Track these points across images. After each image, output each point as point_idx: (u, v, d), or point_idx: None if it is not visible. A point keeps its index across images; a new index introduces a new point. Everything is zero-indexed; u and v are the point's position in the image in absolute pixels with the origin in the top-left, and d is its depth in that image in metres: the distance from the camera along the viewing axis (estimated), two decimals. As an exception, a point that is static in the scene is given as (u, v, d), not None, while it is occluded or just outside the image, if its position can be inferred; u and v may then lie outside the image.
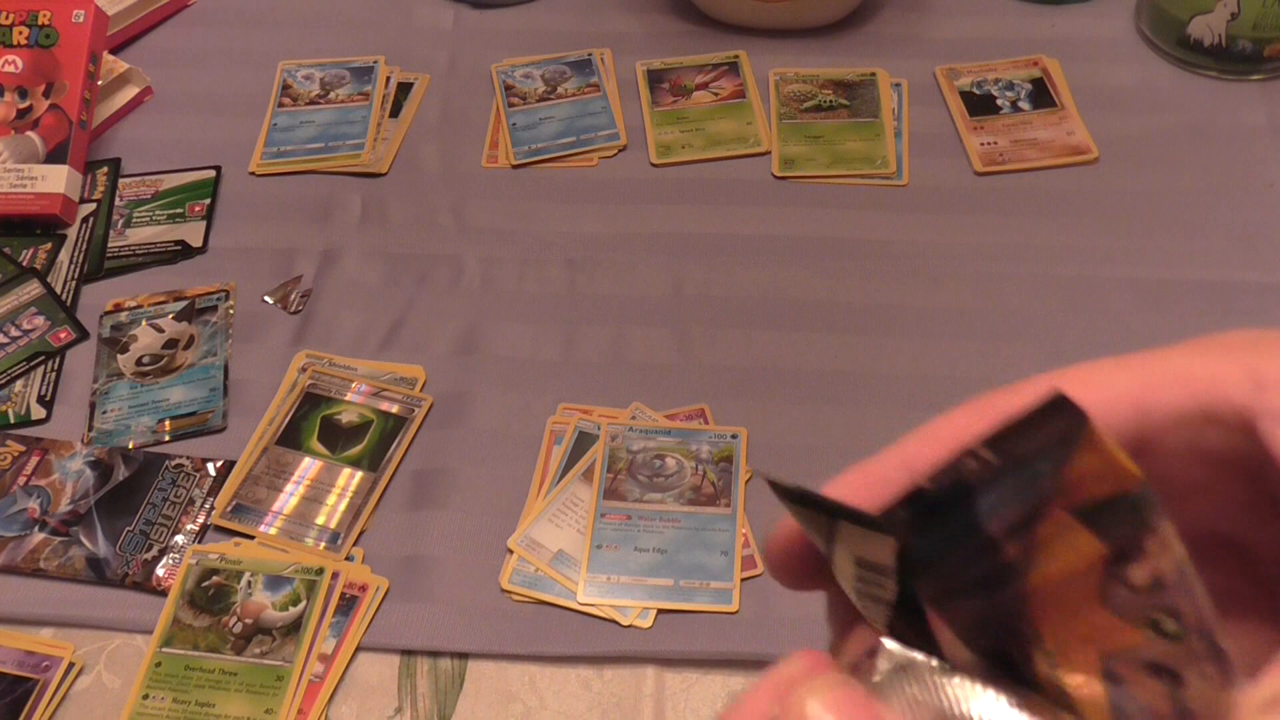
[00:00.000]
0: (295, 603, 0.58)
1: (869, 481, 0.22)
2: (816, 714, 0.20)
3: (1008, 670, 0.20)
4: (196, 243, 0.76)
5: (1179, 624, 0.19)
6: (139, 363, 0.69)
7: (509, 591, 0.59)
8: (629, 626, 0.57)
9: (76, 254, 0.76)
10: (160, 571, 0.60)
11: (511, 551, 0.60)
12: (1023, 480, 0.19)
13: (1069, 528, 0.19)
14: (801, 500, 0.21)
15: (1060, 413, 0.18)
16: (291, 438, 0.65)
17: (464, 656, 0.57)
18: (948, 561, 0.20)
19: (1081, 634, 0.19)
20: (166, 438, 0.66)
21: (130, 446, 0.66)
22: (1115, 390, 0.22)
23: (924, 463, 0.21)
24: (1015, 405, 0.20)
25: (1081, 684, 0.19)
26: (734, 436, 0.64)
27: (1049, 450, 0.19)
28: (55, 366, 0.70)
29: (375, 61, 0.86)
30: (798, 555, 0.24)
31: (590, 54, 0.86)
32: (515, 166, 0.79)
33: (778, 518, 0.65)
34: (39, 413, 0.68)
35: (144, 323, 0.71)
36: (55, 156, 0.78)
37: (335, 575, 0.59)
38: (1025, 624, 0.20)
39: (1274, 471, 0.21)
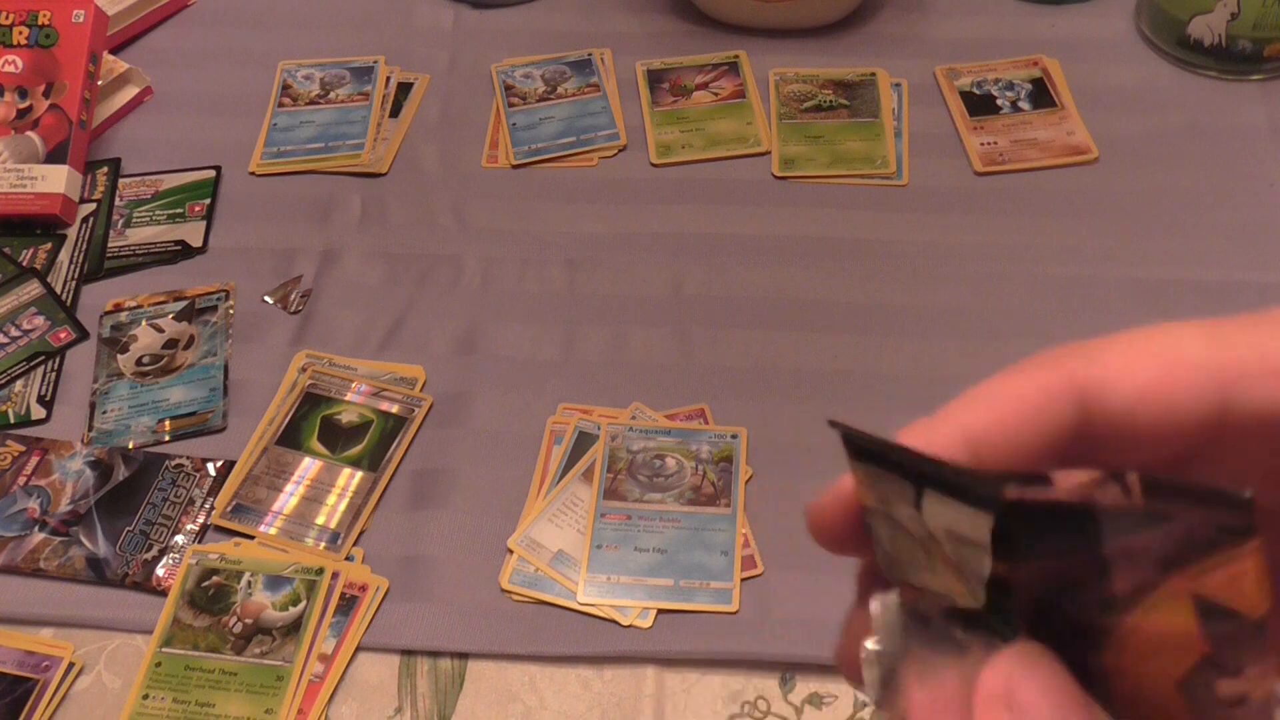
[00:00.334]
0: (295, 603, 0.58)
1: (926, 447, 0.21)
2: (1024, 683, 0.19)
3: None
4: (196, 243, 0.76)
5: None
6: (139, 363, 0.69)
7: (509, 591, 0.59)
8: (629, 626, 0.57)
9: (76, 254, 0.76)
10: (160, 571, 0.60)
11: (511, 551, 0.60)
12: (1161, 537, 0.18)
13: (1182, 607, 0.18)
14: (884, 458, 0.21)
15: (1237, 509, 0.17)
16: (291, 438, 0.65)
17: (464, 656, 0.57)
18: (1049, 561, 0.19)
19: (1149, 704, 0.19)
20: (166, 438, 0.66)
21: (130, 446, 0.66)
22: (1197, 373, 0.20)
23: (983, 432, 0.21)
24: (1085, 369, 0.20)
25: None
26: (734, 436, 0.64)
27: (1202, 529, 0.18)
28: (55, 366, 0.70)
29: (375, 61, 0.86)
30: (849, 520, 0.23)
31: (590, 54, 0.86)
32: (515, 166, 0.79)
33: (783, 515, 0.64)
34: (39, 413, 0.68)
35: (144, 323, 0.71)
36: (55, 156, 0.78)
37: (335, 575, 0.59)
38: (1098, 659, 0.19)
39: None
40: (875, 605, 0.22)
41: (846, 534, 0.23)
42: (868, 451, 0.21)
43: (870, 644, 0.22)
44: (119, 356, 0.70)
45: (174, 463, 0.64)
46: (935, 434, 0.21)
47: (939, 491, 0.20)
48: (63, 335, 0.71)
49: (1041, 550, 0.19)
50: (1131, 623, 0.19)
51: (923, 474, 0.20)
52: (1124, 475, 0.18)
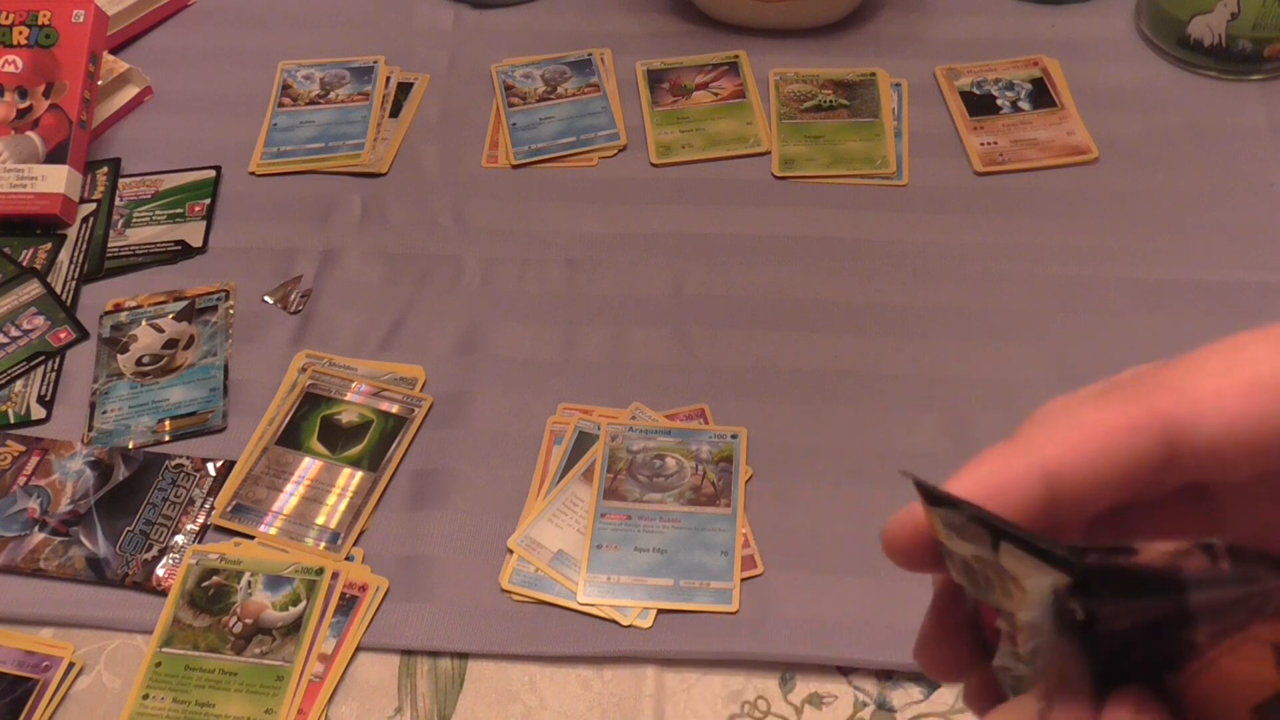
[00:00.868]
0: (295, 603, 0.58)
1: (999, 484, 0.21)
2: None
3: None
4: (196, 243, 0.76)
5: None
6: (139, 363, 0.69)
7: (509, 591, 0.59)
8: (629, 626, 0.57)
9: (76, 254, 0.76)
10: (160, 571, 0.60)
11: (511, 551, 0.60)
12: (1245, 594, 0.19)
13: (1262, 652, 0.19)
14: (968, 515, 0.21)
15: None
16: (291, 438, 0.65)
17: (464, 656, 0.57)
18: (1132, 613, 0.19)
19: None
20: (166, 438, 0.66)
21: (130, 446, 0.66)
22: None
23: (1063, 465, 0.20)
24: (1173, 404, 0.20)
25: None
26: (734, 436, 0.64)
27: None
28: (55, 366, 0.70)
29: (375, 61, 0.86)
30: (925, 543, 0.23)
31: (590, 54, 0.86)
32: (515, 166, 0.79)
33: (779, 521, 0.64)
34: (39, 413, 0.68)
35: (144, 323, 0.71)
36: (55, 156, 0.78)
37: (335, 575, 0.59)
38: (1175, 680, 0.20)
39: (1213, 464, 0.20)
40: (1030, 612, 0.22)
41: (921, 555, 0.23)
42: (942, 499, 0.21)
43: (1004, 659, 0.22)
44: (119, 356, 0.70)
45: (174, 463, 0.64)
46: (1011, 465, 0.21)
47: (1013, 543, 0.20)
48: (63, 335, 0.71)
49: (1122, 606, 0.19)
50: (1211, 657, 0.19)
51: (999, 530, 0.20)
52: (1211, 545, 0.19)
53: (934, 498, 0.21)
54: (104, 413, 0.67)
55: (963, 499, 0.21)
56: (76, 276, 0.74)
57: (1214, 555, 0.19)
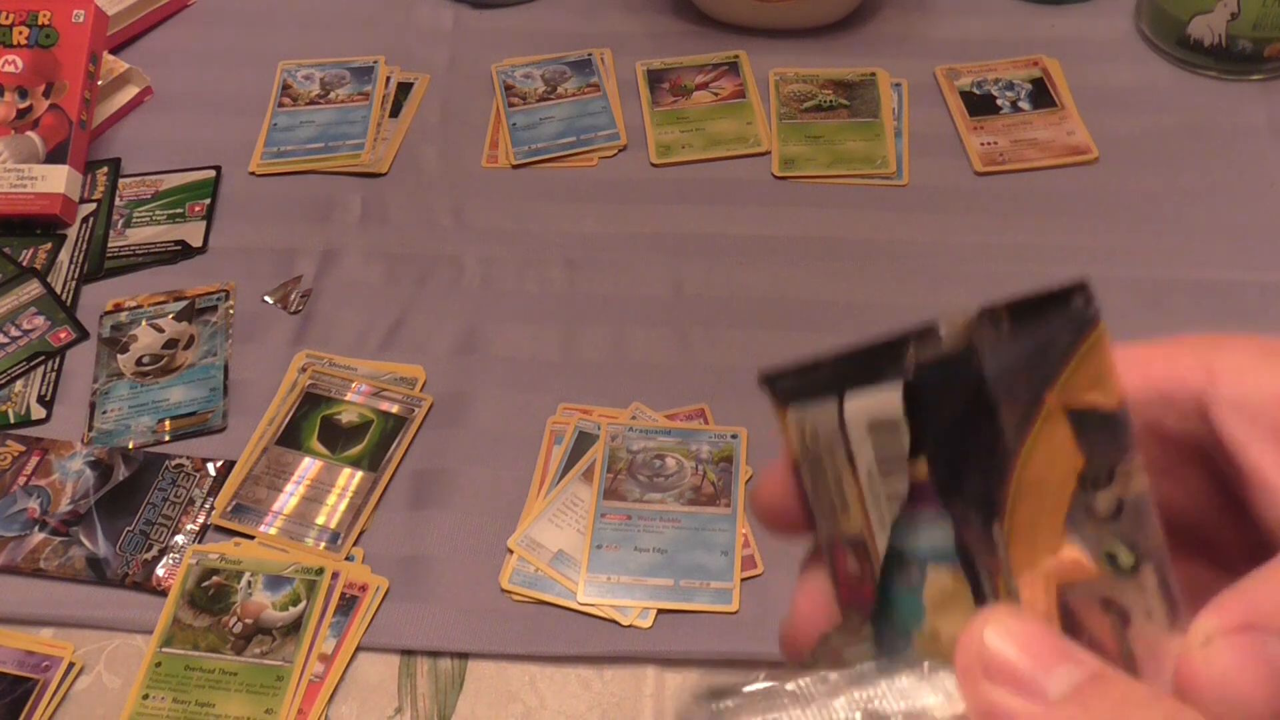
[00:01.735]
0: (295, 603, 0.58)
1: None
2: (996, 644, 0.19)
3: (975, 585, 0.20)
4: (196, 243, 0.76)
5: (1134, 556, 0.19)
6: (139, 363, 0.69)
7: (509, 591, 0.59)
8: (629, 626, 0.57)
9: (76, 254, 0.76)
10: (160, 571, 0.60)
11: (511, 551, 0.60)
12: (1031, 356, 0.19)
13: (1058, 424, 0.19)
14: (807, 382, 0.22)
15: (1080, 300, 0.19)
16: (291, 438, 0.65)
17: (464, 656, 0.57)
18: (949, 423, 0.20)
19: (1044, 563, 0.20)
20: (166, 438, 0.66)
21: (130, 446, 0.66)
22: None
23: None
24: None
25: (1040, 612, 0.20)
26: (734, 436, 0.64)
27: (1059, 332, 0.19)
28: (55, 366, 0.70)
29: (375, 61, 0.86)
30: (787, 497, 0.24)
31: (590, 54, 0.86)
32: (515, 166, 0.79)
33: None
34: (39, 413, 0.68)
35: (144, 323, 0.71)
36: (55, 156, 0.78)
37: (335, 575, 0.59)
38: (1001, 529, 0.20)
39: (1224, 456, 0.21)
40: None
41: (786, 512, 0.24)
42: (790, 389, 0.22)
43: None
44: (119, 356, 0.70)
45: (174, 463, 0.64)
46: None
47: (857, 387, 0.21)
48: (63, 335, 0.71)
49: (944, 405, 0.20)
50: (1019, 475, 0.20)
51: (843, 377, 0.21)
52: (994, 309, 0.20)
53: (779, 382, 0.22)
54: (104, 413, 0.67)
55: (807, 360, 0.22)
56: (76, 276, 0.74)
57: (996, 320, 0.20)
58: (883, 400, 0.21)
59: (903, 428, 0.21)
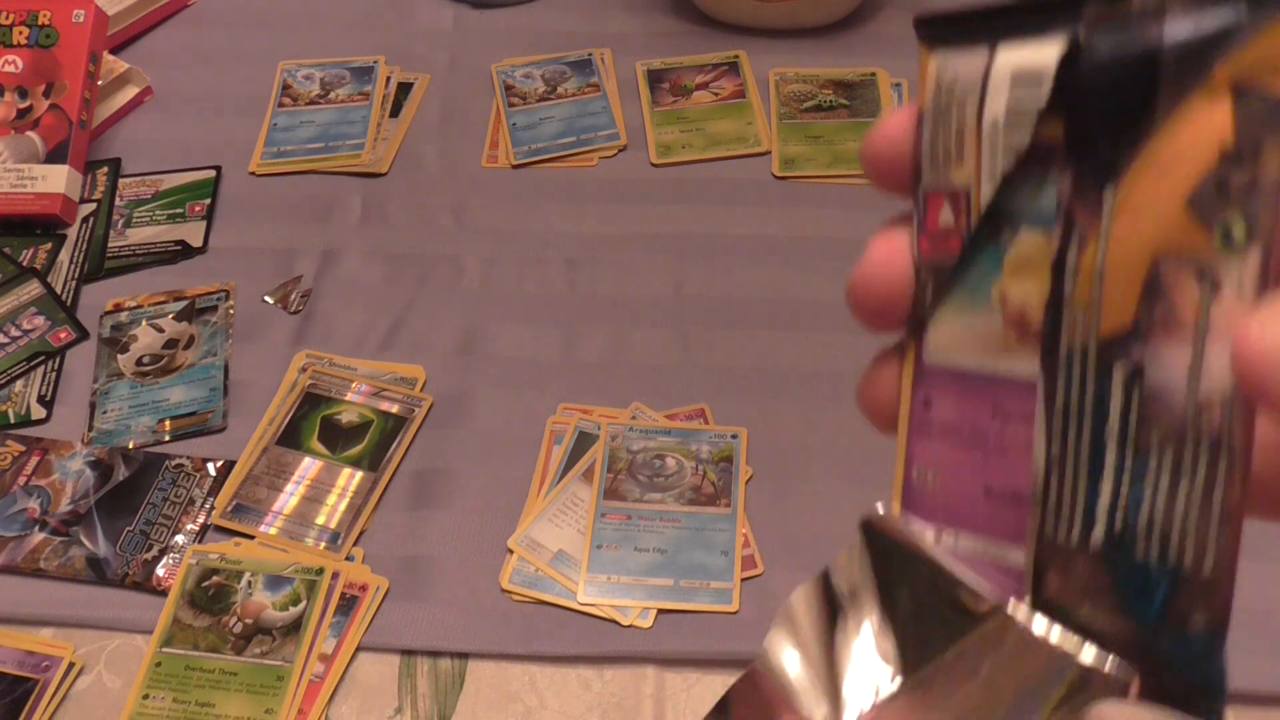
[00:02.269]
0: (295, 603, 0.58)
1: None
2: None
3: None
4: (196, 243, 0.76)
5: (1248, 233, 0.19)
6: (139, 363, 0.69)
7: (509, 591, 0.59)
8: (629, 626, 0.57)
9: (76, 254, 0.76)
10: (160, 571, 0.60)
11: (511, 551, 0.60)
12: (1218, 29, 0.19)
13: (1220, 100, 0.19)
14: (959, 23, 0.21)
15: None
16: (291, 438, 0.65)
17: (464, 656, 0.57)
18: (1104, 87, 0.19)
19: (1150, 225, 0.19)
20: (166, 438, 0.66)
21: (130, 446, 0.66)
22: None
23: None
24: None
25: (1120, 287, 0.20)
26: (734, 436, 0.64)
27: (1251, 14, 0.19)
28: (55, 366, 0.70)
29: (375, 61, 0.86)
30: (902, 145, 0.23)
31: (590, 54, 0.86)
32: (515, 166, 0.79)
33: (779, 521, 0.64)
34: (39, 413, 0.68)
35: (144, 323, 0.71)
36: (55, 156, 0.78)
37: (335, 575, 0.59)
38: (1114, 193, 0.20)
39: None
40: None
41: (896, 159, 0.23)
42: (942, 34, 0.21)
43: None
44: (119, 356, 0.70)
45: (174, 463, 0.64)
46: None
47: (1017, 38, 0.20)
48: (63, 335, 0.71)
49: (1105, 68, 0.19)
50: (1156, 143, 0.19)
51: (1005, 26, 0.20)
52: None
53: (933, 26, 0.21)
54: (104, 413, 0.67)
55: (973, 8, 0.21)
56: (76, 276, 0.74)
57: None
58: (1039, 53, 0.20)
59: (1047, 82, 0.20)
